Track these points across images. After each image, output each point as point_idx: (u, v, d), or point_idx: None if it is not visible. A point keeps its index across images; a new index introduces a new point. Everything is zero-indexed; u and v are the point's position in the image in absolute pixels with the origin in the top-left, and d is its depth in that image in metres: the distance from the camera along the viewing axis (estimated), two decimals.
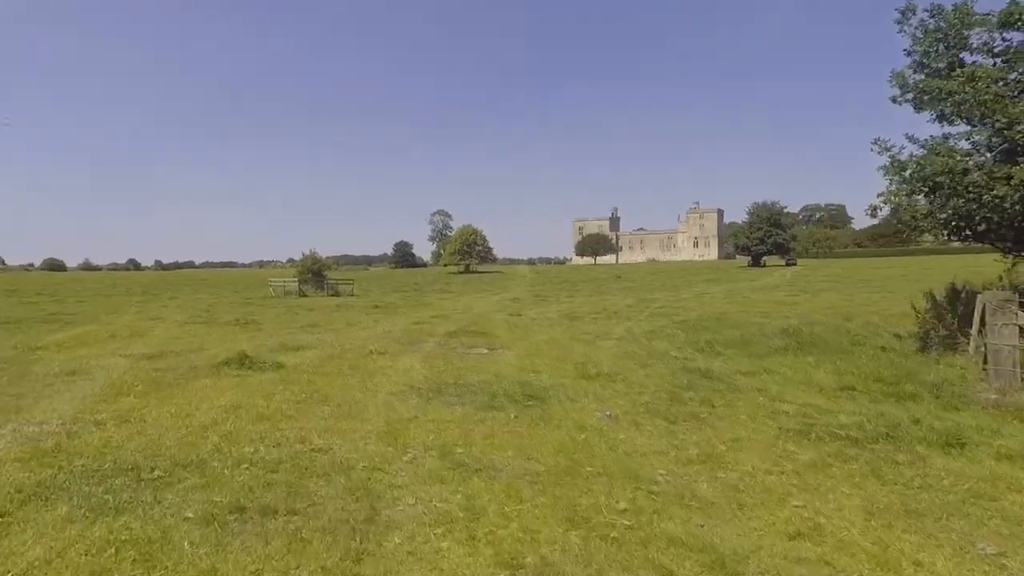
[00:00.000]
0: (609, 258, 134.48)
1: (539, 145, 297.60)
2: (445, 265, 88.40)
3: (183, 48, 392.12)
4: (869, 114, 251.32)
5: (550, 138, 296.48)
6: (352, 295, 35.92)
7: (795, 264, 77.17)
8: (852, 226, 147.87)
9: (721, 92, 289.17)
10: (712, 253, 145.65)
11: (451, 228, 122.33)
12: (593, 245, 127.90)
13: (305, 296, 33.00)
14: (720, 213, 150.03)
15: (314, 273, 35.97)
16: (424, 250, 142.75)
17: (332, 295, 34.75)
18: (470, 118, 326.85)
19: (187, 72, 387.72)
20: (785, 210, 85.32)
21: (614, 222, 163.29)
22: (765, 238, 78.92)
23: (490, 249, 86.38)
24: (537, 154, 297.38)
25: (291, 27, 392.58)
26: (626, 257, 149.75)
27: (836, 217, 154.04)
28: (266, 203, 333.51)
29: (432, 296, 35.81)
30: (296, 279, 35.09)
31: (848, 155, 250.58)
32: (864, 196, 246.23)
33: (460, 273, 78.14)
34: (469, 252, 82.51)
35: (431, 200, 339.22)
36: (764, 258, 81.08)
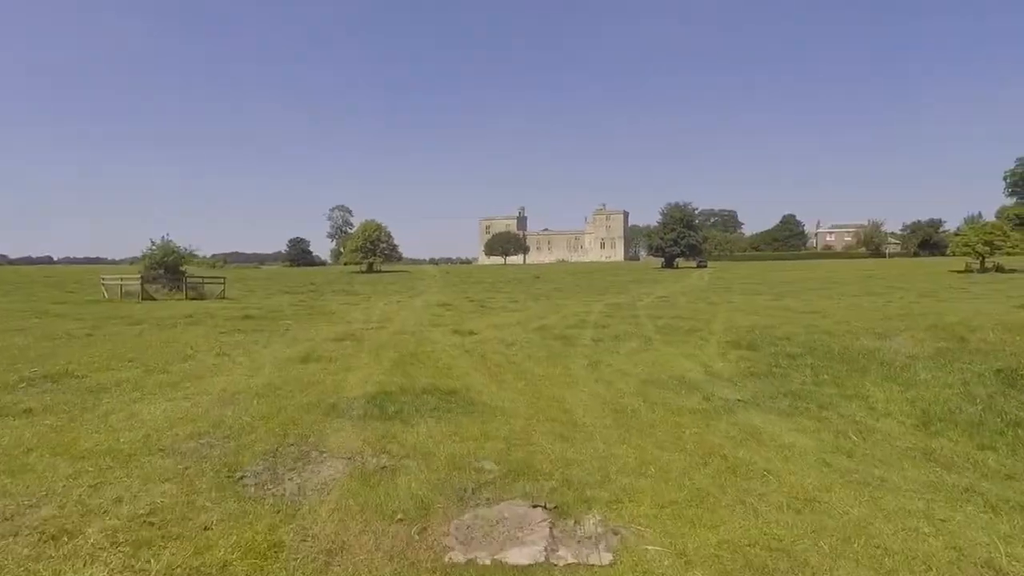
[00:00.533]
0: (517, 258, 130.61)
1: (439, 144, 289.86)
2: (346, 264, 79.42)
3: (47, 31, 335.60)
4: (762, 119, 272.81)
5: (451, 137, 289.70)
6: (222, 298, 27.49)
7: (706, 266, 77.20)
8: (742, 231, 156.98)
9: (620, 92, 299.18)
10: (618, 254, 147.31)
11: (352, 224, 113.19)
12: (503, 244, 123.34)
13: (151, 299, 24.18)
14: (625, 215, 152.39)
15: (167, 268, 26.80)
16: (323, 248, 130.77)
17: (193, 298, 26.14)
18: (368, 114, 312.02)
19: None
20: (697, 211, 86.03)
21: (521, 221, 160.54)
22: (679, 239, 78.33)
23: (395, 247, 78.65)
24: (437, 152, 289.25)
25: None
26: (534, 257, 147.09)
27: (728, 222, 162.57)
28: (153, 199, 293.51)
29: (333, 299, 28.38)
30: (139, 276, 25.81)
31: (740, 161, 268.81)
32: (753, 203, 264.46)
33: (363, 272, 70.05)
34: (373, 250, 74.26)
35: (328, 198, 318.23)
36: (673, 260, 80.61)
